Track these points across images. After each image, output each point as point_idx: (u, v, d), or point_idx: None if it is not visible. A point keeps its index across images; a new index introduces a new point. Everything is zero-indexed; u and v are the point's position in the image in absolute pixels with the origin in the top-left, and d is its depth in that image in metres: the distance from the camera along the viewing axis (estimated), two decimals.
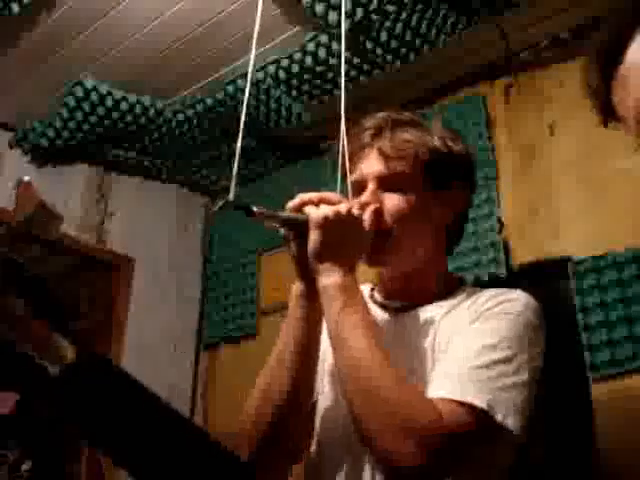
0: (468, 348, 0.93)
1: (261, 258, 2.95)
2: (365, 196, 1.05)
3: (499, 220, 2.26)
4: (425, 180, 1.07)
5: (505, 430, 0.86)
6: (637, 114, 0.70)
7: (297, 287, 1.03)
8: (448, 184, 1.09)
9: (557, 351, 2.09)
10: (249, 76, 1.23)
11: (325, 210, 0.96)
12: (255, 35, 1.11)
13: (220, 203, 0.94)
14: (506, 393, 0.88)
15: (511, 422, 0.86)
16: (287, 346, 1.01)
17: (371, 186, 1.06)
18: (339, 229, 0.95)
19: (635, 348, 1.87)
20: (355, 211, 1.00)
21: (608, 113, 0.76)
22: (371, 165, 1.07)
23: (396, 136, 1.07)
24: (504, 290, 1.04)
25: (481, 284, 2.20)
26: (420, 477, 0.83)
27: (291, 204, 0.99)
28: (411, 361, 0.98)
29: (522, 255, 2.20)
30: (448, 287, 1.10)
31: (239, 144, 1.05)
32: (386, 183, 1.06)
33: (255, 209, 0.92)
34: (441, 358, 0.96)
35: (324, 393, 1.08)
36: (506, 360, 0.91)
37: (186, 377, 2.95)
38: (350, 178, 1.09)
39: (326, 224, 0.95)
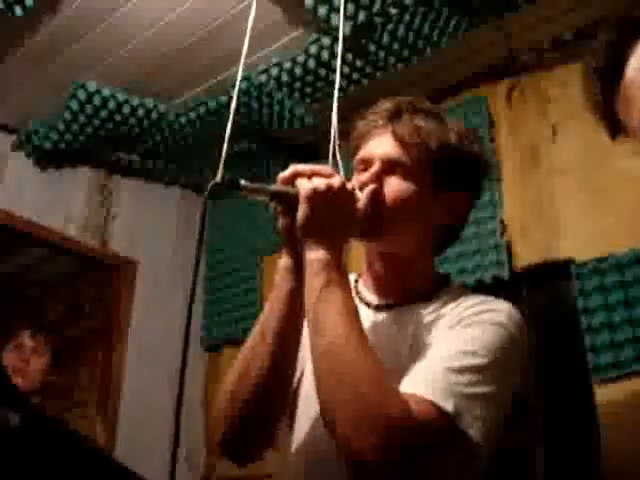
0: (444, 350, 0.91)
1: (263, 259, 2.95)
2: (366, 176, 1.01)
3: (502, 222, 2.26)
4: (431, 177, 1.02)
5: (467, 439, 0.83)
6: None
7: (284, 261, 1.00)
8: (451, 190, 1.04)
9: (560, 353, 2.10)
10: (237, 82, 1.23)
11: (316, 183, 0.92)
12: (245, 45, 1.11)
13: (209, 185, 0.89)
14: (471, 401, 0.85)
15: (473, 431, 0.83)
16: (270, 320, 0.98)
17: (376, 166, 1.02)
18: (329, 203, 0.91)
19: (638, 350, 1.86)
20: (349, 186, 0.95)
21: (614, 126, 0.77)
22: (382, 145, 1.03)
23: (413, 123, 1.03)
24: (490, 298, 1.02)
25: (484, 286, 2.19)
26: (383, 472, 0.80)
27: (282, 175, 0.96)
28: (387, 361, 0.93)
29: (525, 257, 2.20)
30: (433, 287, 1.07)
31: (229, 128, 1.03)
32: (391, 168, 1.01)
33: (243, 182, 0.90)
34: (417, 359, 0.92)
35: (309, 371, 1.01)
36: (479, 369, 0.88)
37: (188, 378, 2.95)
38: (357, 155, 1.06)
39: (316, 197, 0.91)
